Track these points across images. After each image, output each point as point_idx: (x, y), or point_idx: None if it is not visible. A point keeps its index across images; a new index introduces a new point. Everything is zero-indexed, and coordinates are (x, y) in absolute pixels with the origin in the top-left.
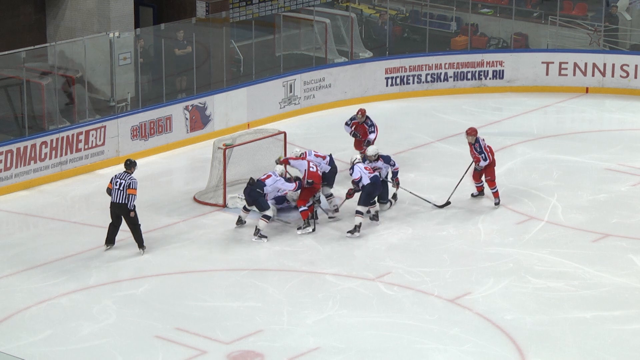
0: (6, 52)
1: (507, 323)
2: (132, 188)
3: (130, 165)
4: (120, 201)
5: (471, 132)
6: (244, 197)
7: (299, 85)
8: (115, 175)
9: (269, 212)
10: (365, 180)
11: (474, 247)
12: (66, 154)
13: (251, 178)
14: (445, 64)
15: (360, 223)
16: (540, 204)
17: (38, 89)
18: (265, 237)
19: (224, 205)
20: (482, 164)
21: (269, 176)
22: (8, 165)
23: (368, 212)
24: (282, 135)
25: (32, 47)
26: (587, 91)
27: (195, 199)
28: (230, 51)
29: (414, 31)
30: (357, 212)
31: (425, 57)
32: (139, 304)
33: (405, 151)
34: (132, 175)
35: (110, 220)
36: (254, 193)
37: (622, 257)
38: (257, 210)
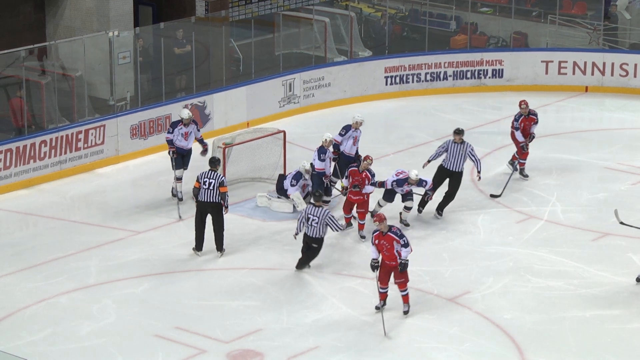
0: (6, 51)
1: (506, 322)
2: (224, 186)
3: (215, 162)
4: (212, 200)
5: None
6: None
7: (299, 84)
8: (202, 174)
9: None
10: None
11: (473, 246)
12: (65, 153)
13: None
14: (444, 63)
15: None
16: (540, 203)
17: (37, 88)
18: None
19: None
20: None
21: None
22: (7, 164)
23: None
24: (282, 134)
25: (31, 46)
26: (586, 90)
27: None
28: (230, 50)
29: (413, 30)
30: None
31: (424, 56)
32: (139, 303)
33: (404, 150)
34: (219, 172)
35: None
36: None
37: (622, 256)
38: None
